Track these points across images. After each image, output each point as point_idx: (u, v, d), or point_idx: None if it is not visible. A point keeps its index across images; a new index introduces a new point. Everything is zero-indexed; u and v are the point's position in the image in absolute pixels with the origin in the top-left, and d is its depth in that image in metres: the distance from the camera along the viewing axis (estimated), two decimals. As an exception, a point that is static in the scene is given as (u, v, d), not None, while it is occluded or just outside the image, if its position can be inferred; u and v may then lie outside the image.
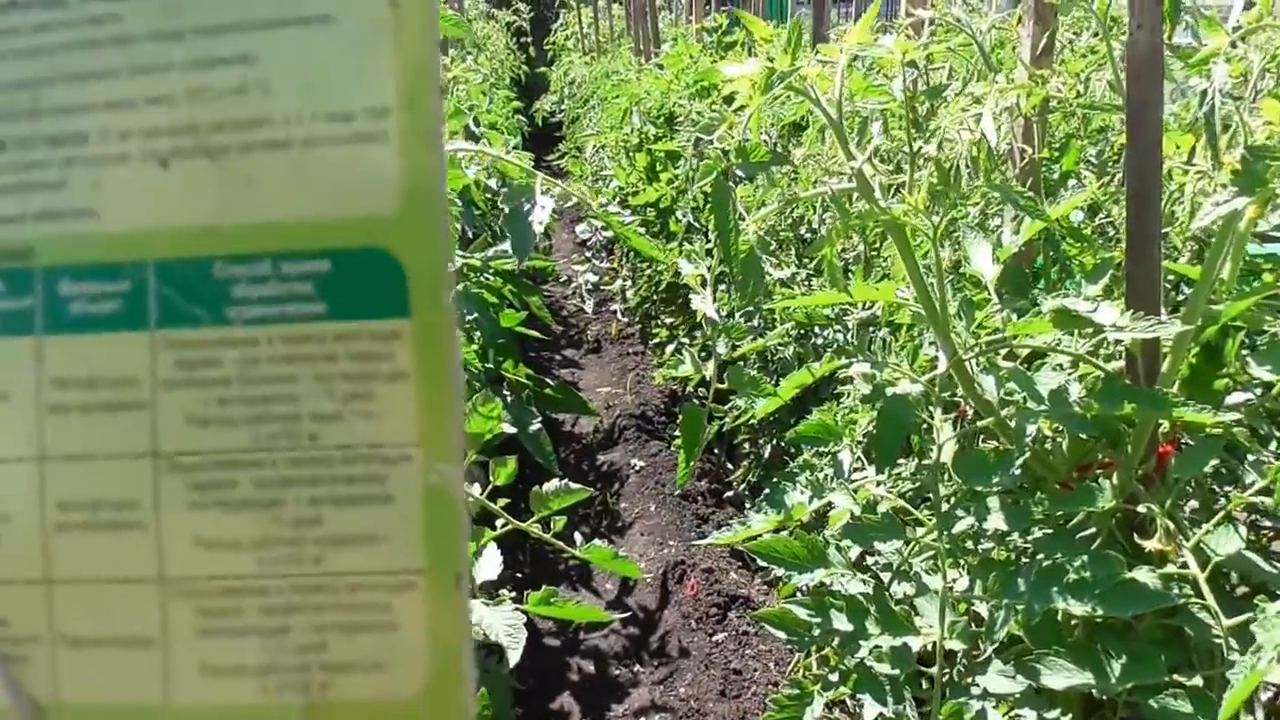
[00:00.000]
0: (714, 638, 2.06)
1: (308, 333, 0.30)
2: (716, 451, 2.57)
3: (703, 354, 1.06)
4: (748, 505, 2.08)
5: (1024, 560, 0.90)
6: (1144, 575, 0.82)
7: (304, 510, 0.30)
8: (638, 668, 2.02)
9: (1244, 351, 0.94)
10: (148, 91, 0.30)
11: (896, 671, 0.82)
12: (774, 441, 2.13)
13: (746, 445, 2.35)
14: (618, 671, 2.02)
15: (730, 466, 2.54)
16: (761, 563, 0.99)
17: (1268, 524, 1.09)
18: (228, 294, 0.30)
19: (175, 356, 0.30)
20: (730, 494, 2.48)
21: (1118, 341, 0.93)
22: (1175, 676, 0.83)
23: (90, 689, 0.30)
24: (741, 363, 2.19)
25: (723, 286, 1.58)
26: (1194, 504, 1.09)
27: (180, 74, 0.30)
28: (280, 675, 0.30)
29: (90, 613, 0.30)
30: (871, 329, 1.46)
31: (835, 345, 1.64)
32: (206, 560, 0.30)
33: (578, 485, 1.14)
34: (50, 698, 0.30)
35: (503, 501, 1.13)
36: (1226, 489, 1.02)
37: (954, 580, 0.98)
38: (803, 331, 1.78)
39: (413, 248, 0.29)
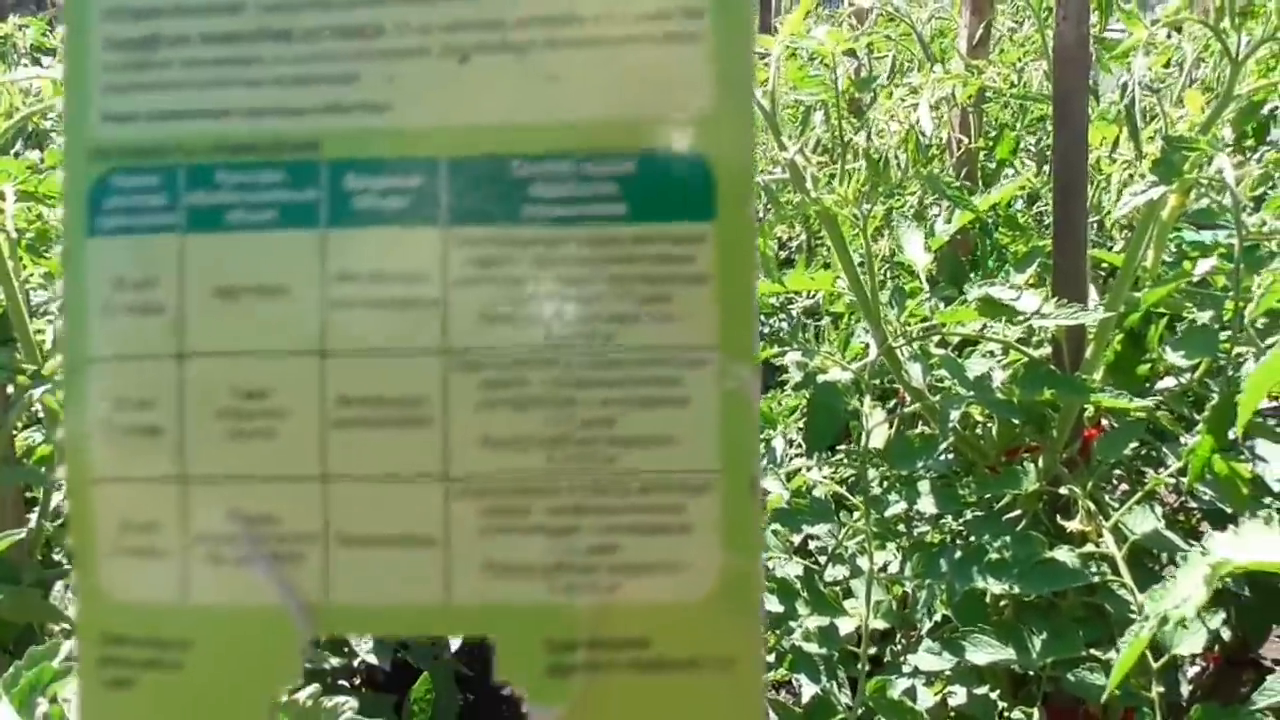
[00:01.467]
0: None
1: (607, 234, 0.29)
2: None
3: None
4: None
5: (956, 542, 0.92)
6: (1064, 555, 0.85)
7: (597, 411, 0.29)
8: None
9: (1169, 337, 0.97)
10: None
11: (826, 650, 0.84)
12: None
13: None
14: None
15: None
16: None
17: (1195, 505, 1.13)
18: (525, 193, 0.29)
19: (468, 254, 0.29)
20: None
21: (1045, 329, 0.95)
22: (1093, 651, 0.86)
23: (365, 590, 0.29)
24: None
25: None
26: (1125, 487, 1.13)
27: None
28: (568, 575, 0.29)
29: (368, 510, 0.29)
30: (814, 317, 1.48)
31: (777, 334, 1.66)
32: (494, 458, 0.29)
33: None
34: (323, 598, 0.29)
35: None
36: (1151, 471, 1.06)
37: (886, 563, 1.00)
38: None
39: (723, 149, 0.29)
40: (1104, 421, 1.03)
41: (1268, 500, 0.91)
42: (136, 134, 0.30)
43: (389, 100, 0.29)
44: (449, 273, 0.29)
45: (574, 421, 0.29)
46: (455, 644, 1.08)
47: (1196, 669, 1.19)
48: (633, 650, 0.29)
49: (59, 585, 0.95)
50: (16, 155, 1.03)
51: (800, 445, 1.00)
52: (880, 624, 0.88)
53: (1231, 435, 0.78)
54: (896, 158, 0.93)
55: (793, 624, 0.85)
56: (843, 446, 1.11)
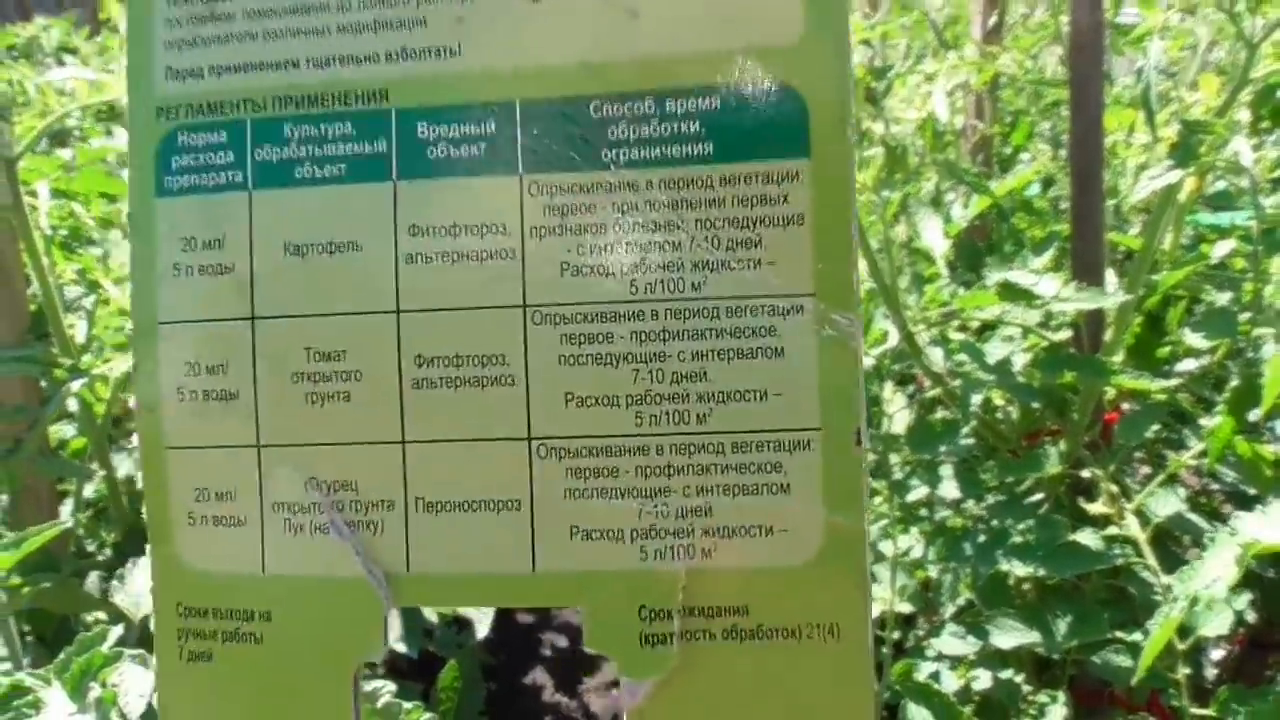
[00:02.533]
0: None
1: (693, 175, 0.28)
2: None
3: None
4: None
5: (979, 526, 0.92)
6: (1087, 537, 0.85)
7: (687, 365, 0.28)
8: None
9: (1189, 319, 0.97)
10: None
11: (850, 635, 0.85)
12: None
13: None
14: (591, 645, 2.05)
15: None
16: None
17: (1217, 487, 1.13)
18: (604, 135, 0.28)
19: (546, 202, 0.28)
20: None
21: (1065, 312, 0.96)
22: (1118, 633, 0.86)
23: (448, 558, 0.28)
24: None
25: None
26: (1147, 470, 1.13)
27: None
28: (660, 540, 0.28)
29: (448, 475, 0.28)
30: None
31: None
32: (579, 418, 0.28)
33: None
34: (404, 568, 0.28)
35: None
36: (1173, 454, 1.06)
37: (909, 547, 1.01)
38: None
39: (816, 80, 0.27)
40: (1124, 405, 1.03)
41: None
42: (202, 90, 0.29)
43: (458, 43, 0.28)
44: (526, 223, 0.28)
45: (663, 377, 0.28)
46: (481, 633, 1.09)
47: (1222, 652, 1.19)
48: (731, 618, 0.28)
49: (93, 576, 0.96)
50: (45, 154, 1.05)
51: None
52: (905, 608, 0.88)
53: (1254, 417, 0.78)
54: (914, 144, 0.94)
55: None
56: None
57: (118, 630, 0.56)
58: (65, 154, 1.08)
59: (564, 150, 0.28)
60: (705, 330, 0.28)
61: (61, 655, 0.53)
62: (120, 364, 0.88)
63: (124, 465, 1.04)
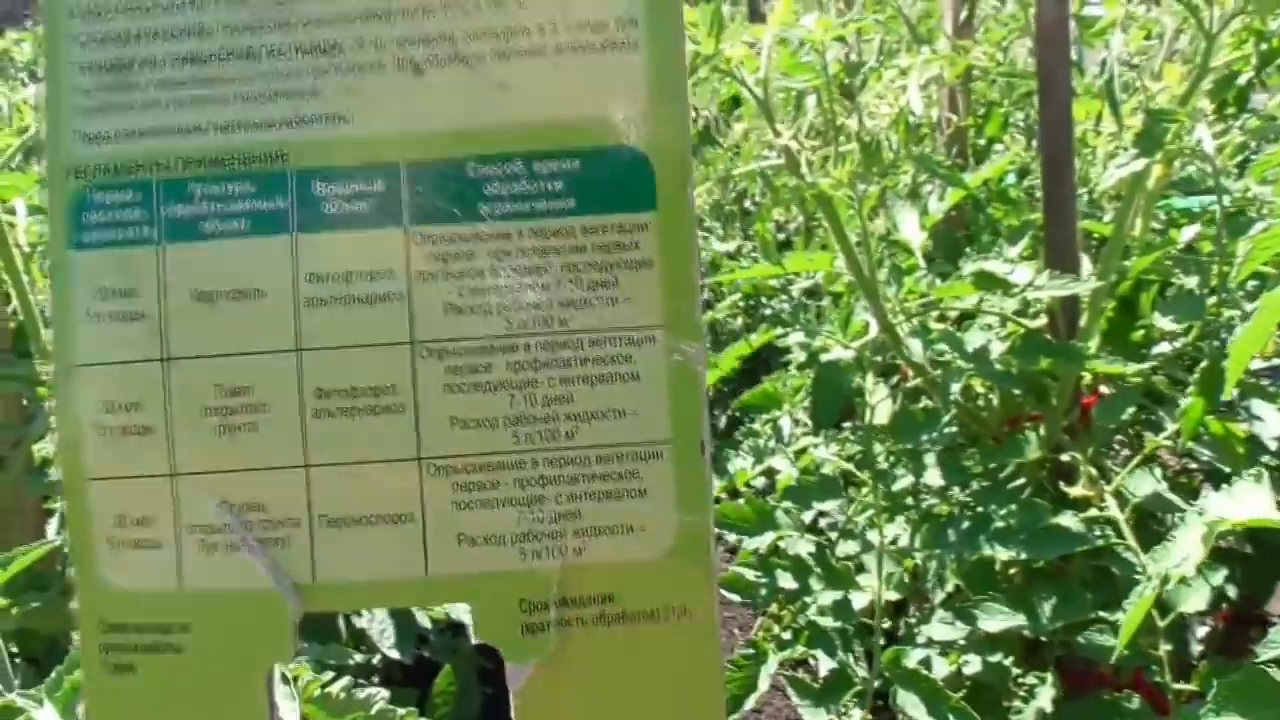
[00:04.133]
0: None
1: (558, 226, 0.32)
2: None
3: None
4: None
5: (963, 512, 0.94)
6: (1069, 520, 0.87)
7: (556, 389, 0.32)
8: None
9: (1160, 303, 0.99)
10: (403, 3, 0.32)
11: (841, 624, 0.86)
12: (728, 412, 2.17)
13: (702, 418, 2.39)
14: (585, 645, 2.05)
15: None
16: (717, 530, 1.02)
17: (1195, 466, 1.15)
18: (480, 192, 0.32)
19: (429, 250, 0.32)
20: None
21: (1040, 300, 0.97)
22: (1102, 613, 0.88)
23: (349, 567, 0.32)
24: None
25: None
26: (1126, 452, 1.15)
27: None
28: (536, 542, 0.32)
29: (348, 493, 0.32)
30: (815, 297, 1.50)
31: (779, 315, 1.68)
32: (463, 439, 0.32)
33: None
34: (310, 578, 0.32)
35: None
36: (1150, 435, 1.08)
37: (896, 536, 1.03)
38: (750, 302, 1.82)
39: (660, 145, 0.32)
40: (1102, 389, 1.05)
41: (1265, 459, 0.93)
42: (112, 152, 0.32)
43: (349, 111, 0.32)
44: (412, 268, 0.32)
45: (535, 401, 0.32)
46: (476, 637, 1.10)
47: (1206, 629, 1.22)
48: (599, 606, 0.32)
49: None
50: (20, 171, 1.05)
51: (807, 425, 1.02)
52: (893, 595, 0.90)
53: (1227, 396, 0.80)
54: (888, 139, 0.95)
55: (807, 600, 0.87)
56: (848, 424, 1.13)
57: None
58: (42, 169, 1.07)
59: (445, 205, 0.32)
60: (571, 359, 0.32)
61: (52, 674, 0.53)
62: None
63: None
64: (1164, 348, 1.01)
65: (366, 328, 0.32)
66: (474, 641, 0.32)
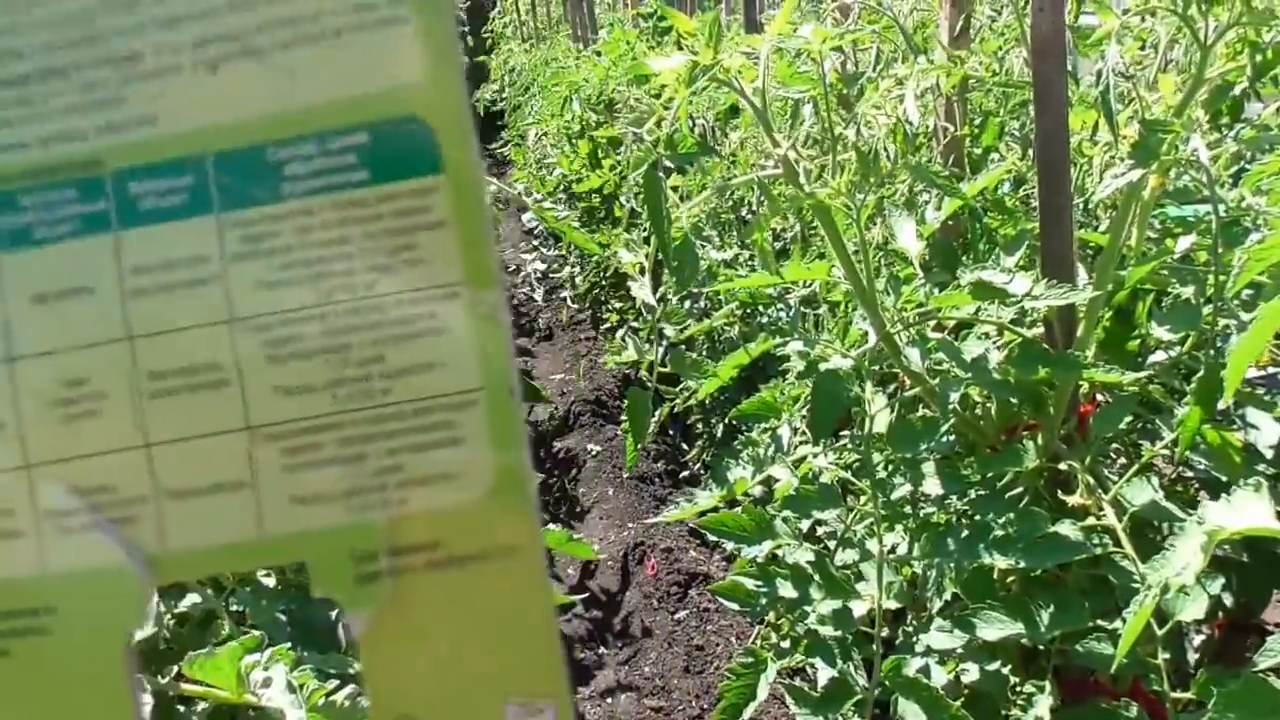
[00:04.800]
0: (676, 616, 2.10)
1: (354, 198, 0.34)
2: (671, 433, 2.61)
3: (647, 339, 1.10)
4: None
5: (962, 521, 0.94)
6: (1066, 529, 0.87)
7: (368, 351, 0.34)
8: (602, 649, 2.06)
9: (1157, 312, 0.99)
10: (193, 8, 0.35)
11: (841, 633, 0.87)
12: (725, 421, 2.17)
13: (700, 425, 2.39)
14: (583, 654, 2.05)
15: (685, 447, 2.58)
16: (713, 538, 1.03)
17: (1191, 474, 1.15)
18: (280, 173, 0.34)
19: (240, 233, 0.34)
20: (686, 474, 2.52)
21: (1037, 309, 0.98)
22: (1100, 622, 0.88)
23: (194, 535, 0.34)
24: (689, 344, 2.23)
25: (667, 271, 1.61)
26: (1123, 461, 1.15)
27: None
28: (362, 497, 0.34)
29: (188, 467, 0.34)
30: (812, 306, 1.51)
31: (776, 323, 1.68)
32: (287, 405, 0.34)
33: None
34: (160, 549, 0.34)
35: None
36: (1147, 444, 1.08)
37: (895, 544, 1.03)
38: (748, 311, 1.82)
39: (439, 111, 0.33)
40: (1099, 397, 1.06)
41: (1260, 467, 0.94)
42: None
43: (155, 113, 0.35)
44: (225, 251, 0.34)
45: (349, 364, 0.34)
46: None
47: (1203, 637, 1.22)
48: (427, 552, 0.34)
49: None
50: None
51: (806, 434, 1.03)
52: (892, 604, 0.90)
53: (1223, 405, 0.80)
54: (885, 149, 0.95)
55: (807, 609, 0.87)
56: (846, 433, 1.13)
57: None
58: None
59: (251, 189, 0.34)
60: (380, 321, 0.34)
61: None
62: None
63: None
64: (1160, 356, 1.02)
65: (189, 311, 0.34)
66: (314, 595, 0.34)
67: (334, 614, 0.94)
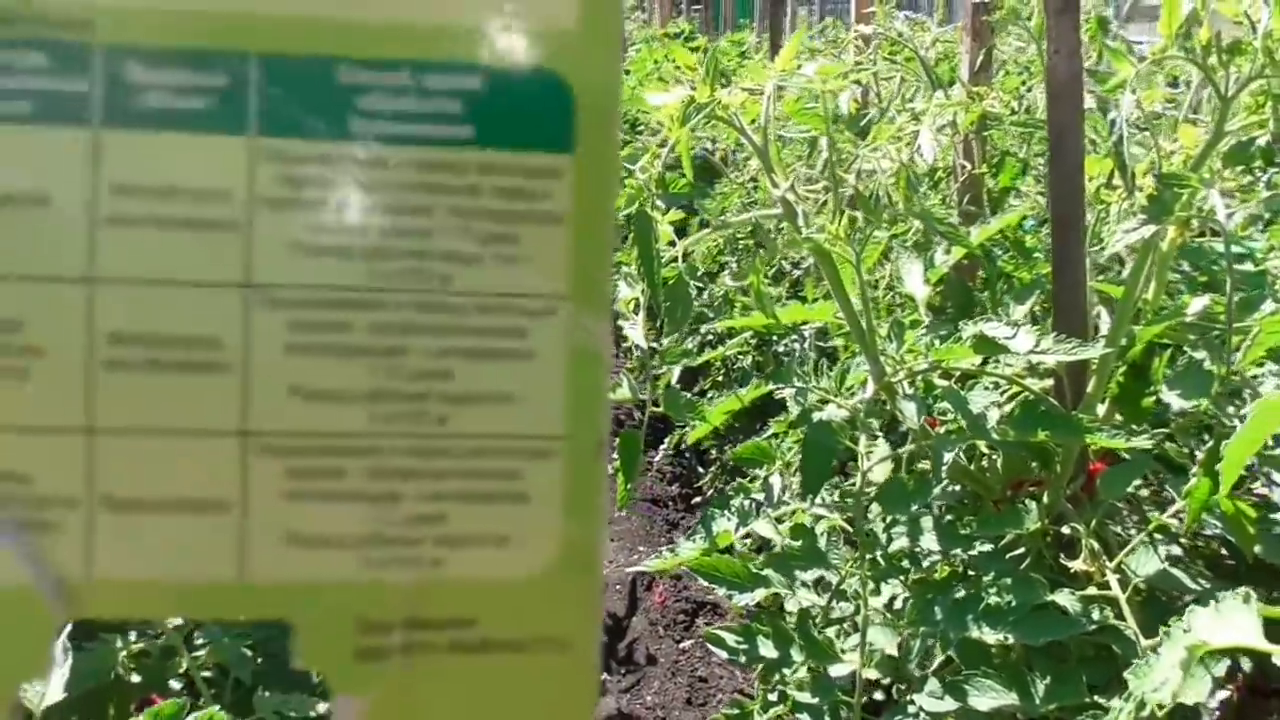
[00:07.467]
0: (681, 645, 2.07)
1: (449, 159, 0.25)
2: (688, 456, 2.58)
3: (640, 379, 1.07)
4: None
5: (954, 583, 0.90)
6: (1065, 598, 0.83)
7: (429, 362, 0.25)
8: (605, 676, 2.03)
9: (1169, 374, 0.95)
10: None
11: (818, 700, 0.83)
12: (724, 459, 2.14)
13: (714, 451, 2.36)
14: (585, 681, 2.02)
15: (701, 470, 2.55)
16: (707, 584, 1.00)
17: (1206, 534, 1.10)
18: (352, 103, 0.25)
19: (278, 170, 0.25)
20: (699, 499, 2.49)
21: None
22: (1097, 698, 0.84)
23: (135, 563, 0.25)
24: (705, 368, 2.19)
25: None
26: (1135, 518, 1.11)
27: None
28: (386, 549, 0.25)
29: (143, 470, 0.25)
30: (827, 338, 1.47)
31: (790, 354, 1.65)
32: (304, 413, 0.25)
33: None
34: (83, 573, 0.24)
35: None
36: (1156, 508, 1.03)
37: (894, 596, 0.99)
38: (760, 340, 1.79)
39: (587, 70, 0.25)
40: (1110, 455, 1.01)
41: (1277, 531, 0.89)
42: None
43: None
44: (255, 192, 0.25)
45: (402, 374, 0.25)
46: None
47: (1225, 694, 1.17)
48: (455, 630, 0.26)
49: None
50: None
51: (800, 481, 0.99)
52: (873, 674, 0.86)
53: (1224, 494, 0.76)
54: (888, 194, 0.92)
55: (785, 671, 0.84)
56: (848, 482, 1.10)
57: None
58: None
59: (305, 115, 0.25)
60: (451, 326, 0.25)
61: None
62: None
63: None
64: (1178, 408, 0.97)
65: (187, 260, 0.24)
66: (294, 666, 0.25)
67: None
